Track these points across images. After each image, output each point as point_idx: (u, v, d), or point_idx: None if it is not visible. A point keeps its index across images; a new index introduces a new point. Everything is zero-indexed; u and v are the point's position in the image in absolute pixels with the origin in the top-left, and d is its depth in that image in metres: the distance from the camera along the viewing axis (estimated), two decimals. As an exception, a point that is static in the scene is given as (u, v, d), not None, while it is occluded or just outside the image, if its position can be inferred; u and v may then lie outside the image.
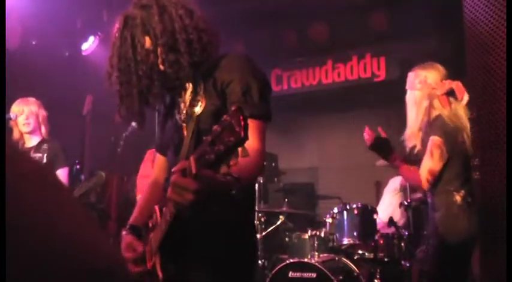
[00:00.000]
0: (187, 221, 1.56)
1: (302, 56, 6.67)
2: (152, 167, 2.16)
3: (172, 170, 1.36)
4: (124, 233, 1.85)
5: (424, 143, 2.95)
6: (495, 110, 1.87)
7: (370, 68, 6.36)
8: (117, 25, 1.75)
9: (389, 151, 3.08)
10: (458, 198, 2.81)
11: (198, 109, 1.72)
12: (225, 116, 1.21)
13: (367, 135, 3.16)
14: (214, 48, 1.73)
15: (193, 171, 1.27)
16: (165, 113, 1.92)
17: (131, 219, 1.93)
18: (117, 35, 1.73)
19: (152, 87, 1.71)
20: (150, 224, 1.82)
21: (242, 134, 1.18)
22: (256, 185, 4.15)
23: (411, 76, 3.09)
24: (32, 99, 3.85)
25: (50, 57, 5.37)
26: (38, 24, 5.26)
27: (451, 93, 2.91)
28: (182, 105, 1.81)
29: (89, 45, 5.63)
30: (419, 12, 5.57)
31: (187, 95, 1.79)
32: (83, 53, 5.64)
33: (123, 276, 0.57)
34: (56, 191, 0.55)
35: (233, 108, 1.21)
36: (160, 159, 2.03)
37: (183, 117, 1.79)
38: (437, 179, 2.86)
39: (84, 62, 5.62)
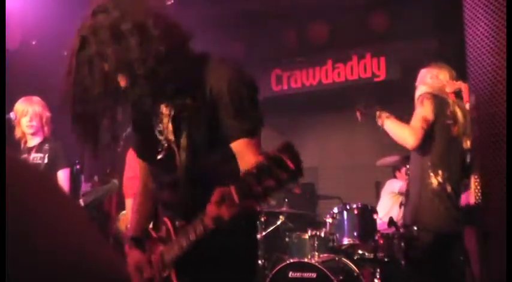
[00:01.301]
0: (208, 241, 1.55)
1: (302, 56, 6.67)
2: (137, 167, 2.10)
3: (212, 199, 1.37)
4: (128, 247, 1.82)
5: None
6: (495, 110, 1.87)
7: (370, 68, 6.36)
8: (73, 47, 1.68)
9: (378, 106, 3.14)
10: (434, 181, 2.79)
11: (184, 119, 1.66)
12: (271, 152, 1.24)
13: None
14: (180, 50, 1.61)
15: (236, 201, 1.30)
16: (139, 123, 1.84)
17: (131, 231, 1.91)
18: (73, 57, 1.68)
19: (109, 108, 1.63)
20: (155, 235, 1.80)
21: (296, 170, 1.21)
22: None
23: (423, 72, 3.15)
24: (36, 99, 3.82)
25: (50, 57, 5.36)
26: (38, 24, 5.26)
27: (458, 94, 2.94)
28: (168, 111, 1.72)
29: (89, 45, 5.62)
30: (419, 12, 5.58)
31: (170, 105, 1.70)
32: (83, 53, 5.63)
33: None
34: (57, 197, 0.55)
35: (282, 145, 1.24)
36: (143, 165, 1.96)
37: (169, 124, 1.71)
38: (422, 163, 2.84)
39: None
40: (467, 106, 2.80)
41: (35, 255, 0.48)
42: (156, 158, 1.79)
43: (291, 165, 1.21)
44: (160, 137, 1.75)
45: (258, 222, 1.92)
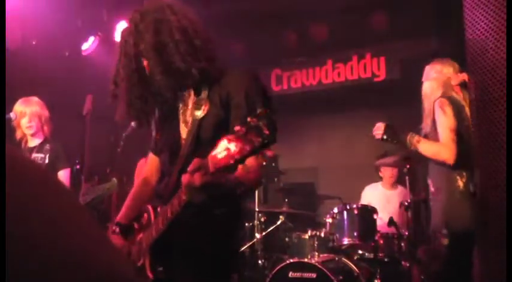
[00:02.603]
0: (182, 223, 1.59)
1: (302, 56, 6.67)
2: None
3: (188, 168, 1.41)
4: (111, 231, 1.88)
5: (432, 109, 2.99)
6: (495, 110, 1.87)
7: (370, 68, 6.35)
8: (123, 31, 1.84)
9: (400, 134, 3.10)
10: (460, 183, 2.82)
11: (200, 113, 1.76)
12: (249, 118, 1.27)
13: (377, 129, 3.17)
14: (210, 54, 1.80)
15: (211, 170, 1.33)
16: (163, 116, 1.95)
17: (119, 216, 1.97)
18: (121, 41, 1.82)
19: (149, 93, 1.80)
20: (137, 225, 1.86)
21: (270, 135, 1.25)
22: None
23: (427, 68, 3.18)
24: (34, 99, 3.83)
25: (50, 57, 5.36)
26: (38, 24, 5.25)
27: (464, 85, 2.95)
28: (184, 108, 1.85)
29: (89, 45, 5.62)
30: (419, 12, 5.57)
31: (190, 100, 1.84)
32: (83, 53, 5.64)
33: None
34: (59, 194, 0.55)
35: (260, 111, 1.28)
36: (153, 159, 2.05)
37: (184, 120, 1.84)
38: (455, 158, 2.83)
39: (84, 62, 5.61)
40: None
41: (37, 254, 0.48)
42: (166, 151, 1.89)
43: (265, 130, 1.24)
44: (175, 131, 1.85)
45: (242, 209, 1.89)
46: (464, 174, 2.84)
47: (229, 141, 1.28)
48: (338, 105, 6.78)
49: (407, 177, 4.20)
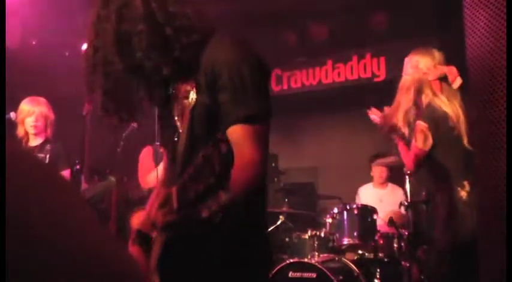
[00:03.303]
0: (182, 242, 1.37)
1: (302, 56, 6.66)
2: (152, 161, 2.04)
3: (157, 203, 1.21)
4: (130, 241, 1.57)
5: (412, 128, 3.01)
6: (495, 111, 1.87)
7: (370, 68, 6.35)
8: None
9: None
10: (463, 194, 2.81)
11: (188, 102, 1.46)
12: (205, 149, 1.00)
13: (374, 114, 3.21)
14: (190, 30, 1.44)
15: (174, 206, 1.11)
16: (162, 108, 1.67)
17: (140, 223, 1.63)
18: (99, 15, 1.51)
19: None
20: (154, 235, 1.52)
21: (221, 175, 0.97)
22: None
23: (406, 60, 3.15)
24: (42, 100, 3.85)
25: (50, 57, 5.36)
26: (38, 24, 5.25)
27: (444, 78, 2.92)
28: (176, 99, 1.55)
29: (89, 45, 5.61)
30: (419, 12, 5.57)
31: (180, 87, 1.51)
32: (83, 53, 5.62)
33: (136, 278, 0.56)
34: (60, 187, 0.55)
35: (217, 137, 1.00)
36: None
37: (178, 112, 1.54)
38: (440, 173, 2.88)
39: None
40: (455, 86, 2.83)
41: (40, 251, 0.48)
42: (167, 151, 1.65)
43: (216, 166, 0.97)
44: (173, 126, 1.56)
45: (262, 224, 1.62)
46: (466, 186, 2.82)
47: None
48: (338, 105, 6.77)
49: (407, 178, 4.20)
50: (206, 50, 1.44)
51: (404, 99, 3.02)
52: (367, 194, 5.24)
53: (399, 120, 3.05)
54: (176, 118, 1.54)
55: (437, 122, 2.87)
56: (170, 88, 1.55)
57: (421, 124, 2.90)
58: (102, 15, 1.47)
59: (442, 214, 2.90)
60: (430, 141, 2.90)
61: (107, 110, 1.50)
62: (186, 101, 1.46)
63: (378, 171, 5.30)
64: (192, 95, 1.45)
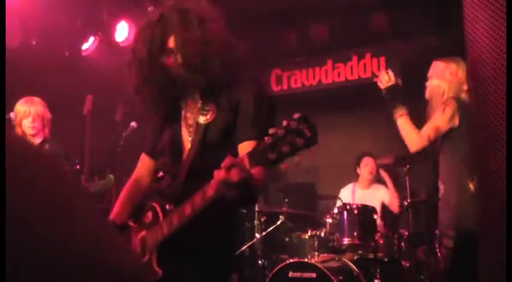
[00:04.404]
0: (198, 219, 1.61)
1: (302, 56, 6.66)
2: None
3: (222, 165, 1.44)
4: None
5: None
6: (495, 111, 1.87)
7: (370, 68, 6.35)
8: (149, 18, 1.85)
9: (399, 102, 3.09)
10: (471, 186, 2.81)
11: (204, 119, 1.82)
12: (286, 121, 1.34)
13: (385, 74, 3.17)
14: (233, 67, 1.90)
15: (247, 166, 1.39)
16: (165, 118, 1.97)
17: (112, 215, 1.98)
18: (147, 28, 1.83)
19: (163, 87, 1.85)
20: (134, 224, 1.88)
21: (312, 138, 1.34)
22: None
23: (440, 65, 3.11)
24: (37, 99, 3.82)
25: (50, 57, 5.36)
26: (38, 24, 5.25)
27: None
28: (188, 113, 1.90)
29: (89, 45, 5.62)
30: (419, 12, 5.57)
31: (196, 104, 1.88)
32: (83, 53, 5.63)
33: (140, 274, 0.55)
34: (62, 180, 0.54)
35: (298, 116, 1.35)
36: (146, 161, 2.08)
37: (186, 124, 1.88)
38: (455, 160, 2.85)
39: (84, 62, 5.61)
40: None
41: (41, 244, 0.48)
42: (167, 153, 1.92)
43: (307, 132, 1.33)
44: (177, 134, 1.90)
45: (237, 215, 2.02)
46: (475, 177, 2.82)
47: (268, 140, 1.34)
48: (338, 105, 6.77)
49: (407, 178, 4.21)
50: (237, 82, 1.86)
51: (446, 114, 2.97)
52: (348, 195, 5.19)
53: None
54: (183, 129, 1.89)
55: (463, 111, 2.86)
56: (181, 102, 1.93)
57: (449, 100, 2.91)
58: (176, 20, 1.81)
59: (452, 203, 2.88)
60: (456, 121, 2.88)
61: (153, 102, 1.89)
62: (202, 117, 1.83)
63: (366, 171, 5.26)
64: (210, 113, 1.82)
